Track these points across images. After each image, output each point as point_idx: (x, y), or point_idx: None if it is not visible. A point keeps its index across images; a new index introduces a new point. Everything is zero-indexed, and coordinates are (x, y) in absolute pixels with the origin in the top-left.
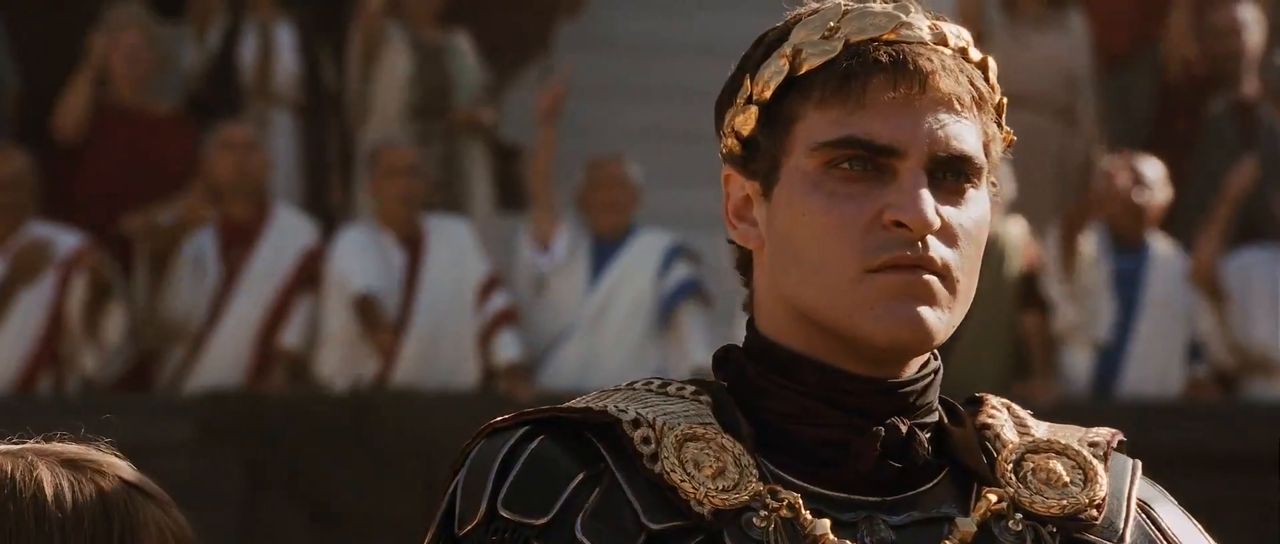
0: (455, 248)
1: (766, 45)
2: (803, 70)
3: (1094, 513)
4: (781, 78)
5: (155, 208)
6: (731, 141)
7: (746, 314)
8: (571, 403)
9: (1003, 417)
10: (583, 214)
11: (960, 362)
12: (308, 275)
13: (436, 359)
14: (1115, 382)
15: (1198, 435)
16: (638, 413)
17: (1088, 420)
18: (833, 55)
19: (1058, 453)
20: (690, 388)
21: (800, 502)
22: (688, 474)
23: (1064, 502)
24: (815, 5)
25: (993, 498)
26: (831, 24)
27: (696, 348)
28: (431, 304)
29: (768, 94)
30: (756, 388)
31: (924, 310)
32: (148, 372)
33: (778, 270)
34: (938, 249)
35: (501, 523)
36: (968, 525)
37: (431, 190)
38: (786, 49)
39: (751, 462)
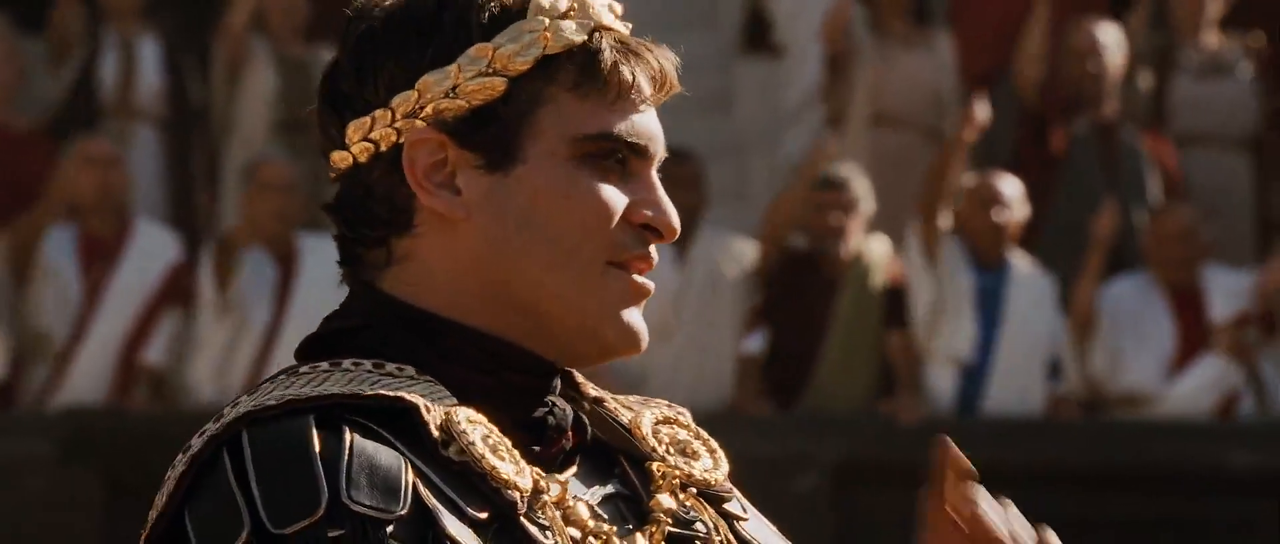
0: (329, 267)
1: (492, 12)
2: (556, 49)
3: (727, 485)
4: (538, 53)
5: (14, 226)
6: (443, 105)
7: (357, 283)
8: (323, 392)
9: (599, 391)
10: None
11: (827, 380)
12: (173, 291)
13: None
14: (978, 400)
15: (1059, 453)
16: (418, 397)
17: (952, 437)
18: (584, 38)
19: (671, 423)
20: (408, 369)
21: (566, 485)
22: (491, 460)
23: (706, 472)
24: None
25: (661, 470)
26: (569, 3)
27: None
28: (302, 322)
29: (517, 68)
30: (424, 363)
31: (641, 317)
32: (10, 388)
33: (499, 251)
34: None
35: (347, 515)
36: (669, 502)
37: (305, 206)
38: (538, 25)
39: (510, 443)
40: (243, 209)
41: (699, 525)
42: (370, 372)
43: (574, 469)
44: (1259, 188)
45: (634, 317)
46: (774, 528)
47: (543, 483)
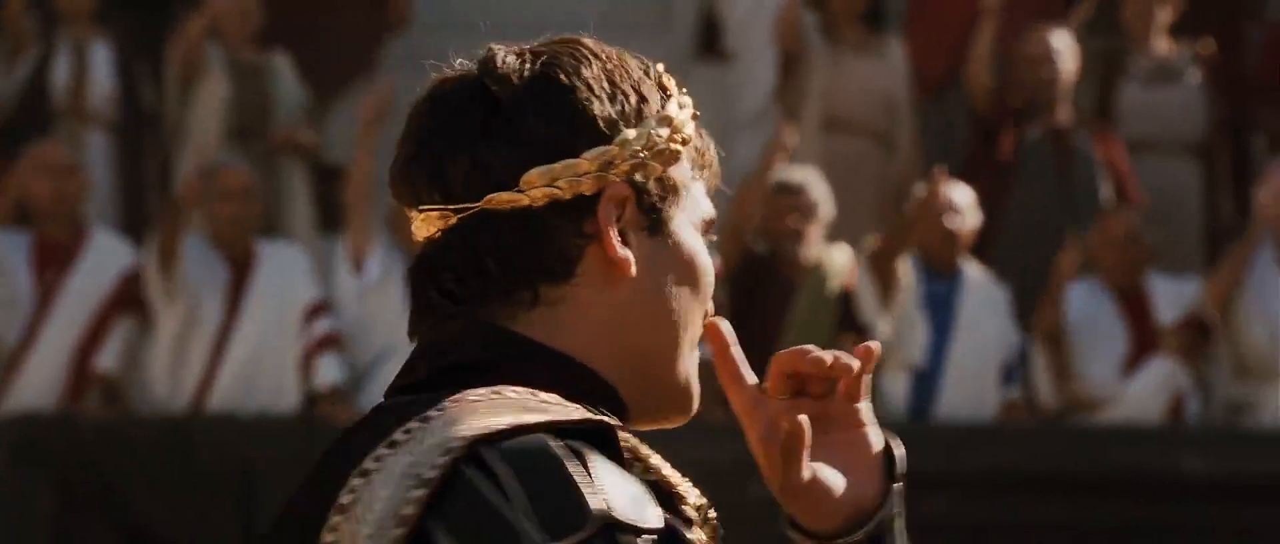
0: (285, 273)
1: (656, 83)
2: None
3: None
4: (692, 129)
5: None
6: (644, 166)
7: (491, 321)
8: (537, 419)
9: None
10: (397, 235)
11: None
12: (126, 297)
13: (257, 383)
14: (931, 405)
15: (1011, 459)
16: (611, 419)
17: (905, 443)
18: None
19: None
20: (554, 396)
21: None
22: (671, 476)
23: (701, 499)
24: (635, 57)
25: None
26: (670, 80)
27: None
28: (254, 327)
29: (689, 139)
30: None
31: None
32: None
33: (645, 307)
34: None
35: (618, 526)
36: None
37: (262, 212)
38: (683, 99)
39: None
40: (199, 215)
41: None
42: (544, 401)
43: None
44: (1207, 194)
45: (694, 366)
46: None
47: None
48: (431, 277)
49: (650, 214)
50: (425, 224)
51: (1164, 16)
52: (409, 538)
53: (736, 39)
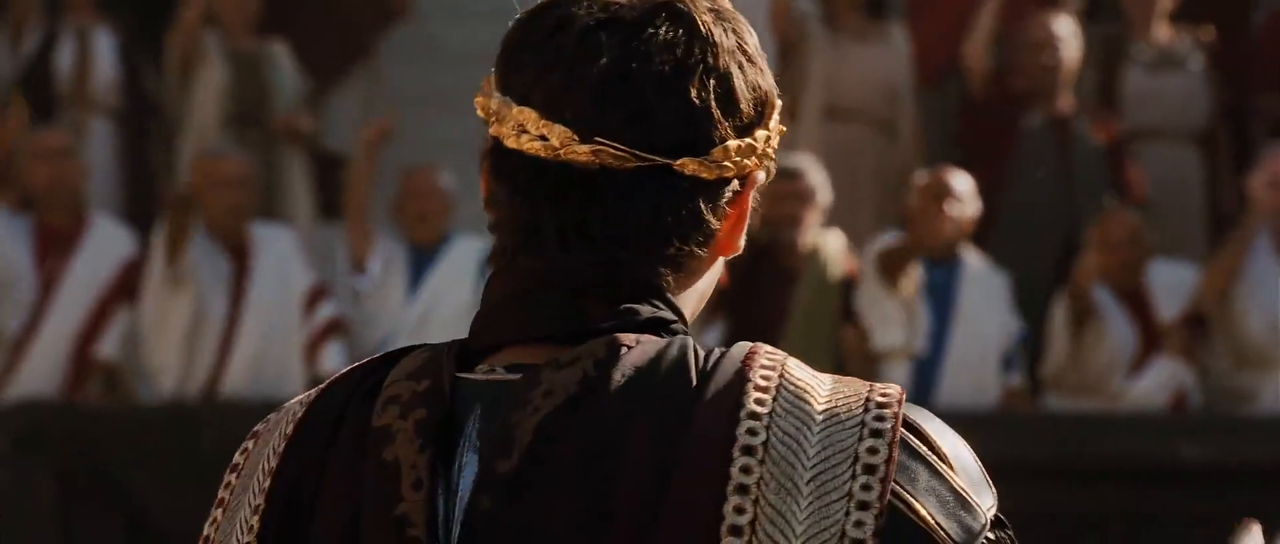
0: (281, 258)
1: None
2: None
3: None
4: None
5: None
6: (766, 143)
7: (664, 283)
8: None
9: None
10: (398, 224)
11: None
12: (127, 285)
13: (264, 370)
14: (931, 393)
15: (1012, 446)
16: None
17: None
18: None
19: None
20: None
21: None
22: None
23: None
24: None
25: None
26: None
27: None
28: (259, 315)
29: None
30: None
31: None
32: None
33: (703, 283)
34: None
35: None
36: None
37: (258, 200)
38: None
39: None
40: (197, 202)
41: None
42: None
43: None
44: (1209, 182)
45: None
46: None
47: None
48: (572, 210)
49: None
50: (573, 151)
51: (1165, 3)
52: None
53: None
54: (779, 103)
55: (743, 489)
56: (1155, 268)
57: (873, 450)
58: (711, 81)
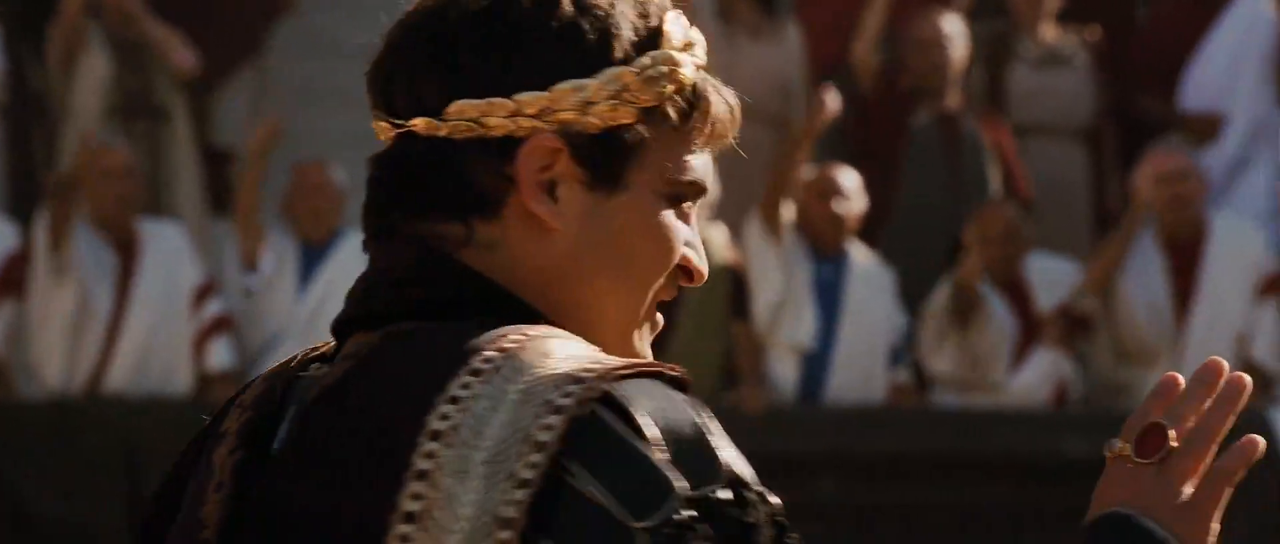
0: (169, 253)
1: (630, 37)
2: (682, 86)
3: None
4: (668, 90)
5: None
6: (578, 119)
7: (461, 264)
8: (656, 364)
9: None
10: (288, 221)
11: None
12: (11, 280)
13: (149, 366)
14: (819, 388)
15: (900, 441)
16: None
17: (796, 428)
18: (698, 78)
19: None
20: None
21: None
22: None
23: None
24: (663, 3)
25: None
26: (686, 40)
27: None
28: (145, 310)
29: (646, 102)
30: None
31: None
32: None
33: (580, 265)
34: None
35: (737, 480)
36: None
37: (144, 193)
38: (667, 57)
39: None
40: (79, 188)
41: None
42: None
43: None
44: (1094, 178)
45: (646, 348)
46: None
47: None
48: (376, 185)
49: (594, 171)
50: (381, 130)
51: (1052, 2)
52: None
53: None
54: (615, 81)
55: (422, 475)
56: (1038, 263)
57: (547, 428)
58: (447, 45)
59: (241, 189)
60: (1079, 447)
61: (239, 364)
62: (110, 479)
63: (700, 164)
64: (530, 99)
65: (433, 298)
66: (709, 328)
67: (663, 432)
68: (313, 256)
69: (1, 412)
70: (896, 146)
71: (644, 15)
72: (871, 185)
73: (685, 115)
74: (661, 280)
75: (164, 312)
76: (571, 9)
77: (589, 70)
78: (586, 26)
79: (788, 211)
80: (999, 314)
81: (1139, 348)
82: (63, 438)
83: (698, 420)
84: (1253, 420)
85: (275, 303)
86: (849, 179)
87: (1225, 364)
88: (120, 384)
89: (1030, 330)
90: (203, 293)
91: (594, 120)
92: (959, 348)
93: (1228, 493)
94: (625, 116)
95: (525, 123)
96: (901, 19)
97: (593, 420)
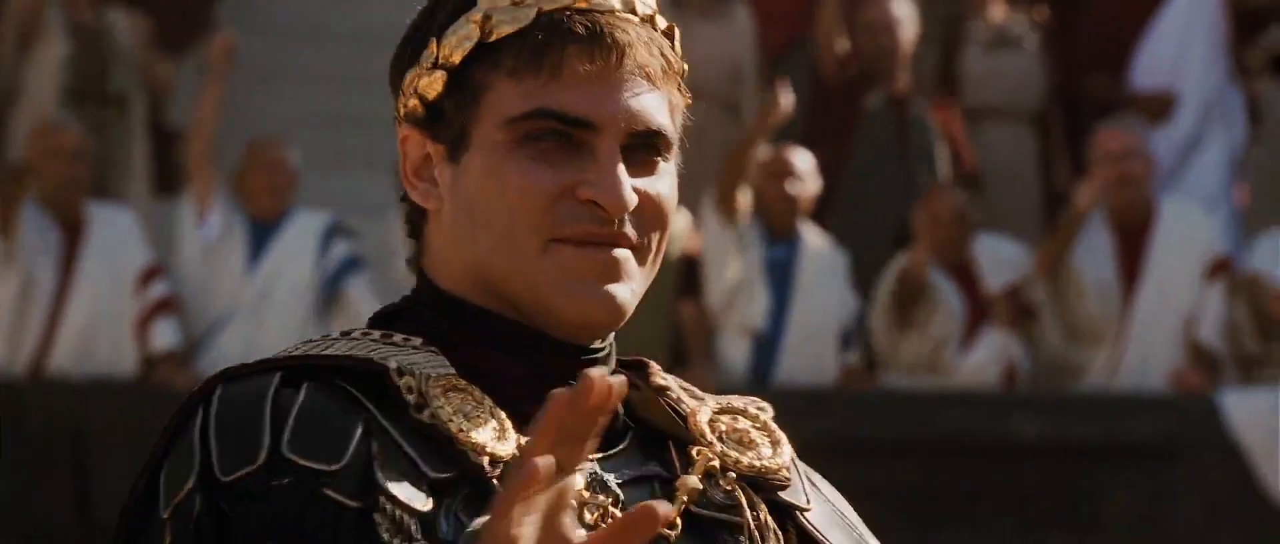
0: (117, 236)
1: (452, 7)
2: (493, 37)
3: (786, 474)
4: (471, 44)
5: None
6: (413, 102)
7: (413, 271)
8: (309, 352)
9: (672, 381)
10: (239, 197)
11: (622, 350)
12: None
13: (92, 347)
14: (771, 370)
15: (850, 423)
16: (398, 362)
17: None
18: (525, 24)
19: (738, 413)
20: (415, 340)
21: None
22: (461, 424)
23: (760, 462)
24: None
25: (708, 455)
26: None
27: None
28: (88, 291)
29: (456, 59)
30: (450, 343)
31: (615, 287)
32: None
33: (462, 235)
34: (629, 222)
35: (286, 466)
36: (691, 482)
37: (93, 174)
38: (476, 14)
39: (503, 414)
40: (32, 174)
41: (732, 508)
42: (375, 341)
43: (621, 447)
44: (1042, 160)
45: (594, 288)
46: (851, 517)
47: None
48: None
49: (445, 142)
50: None
51: None
52: (150, 470)
53: None
54: (427, 56)
55: None
56: (986, 244)
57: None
58: (405, 36)
59: (198, 122)
60: (1029, 427)
61: (185, 344)
62: (56, 460)
63: (560, 97)
64: (399, 102)
65: (392, 308)
66: (656, 307)
67: (221, 425)
68: (261, 233)
69: None
70: (848, 129)
71: None
72: (824, 168)
73: (517, 60)
74: (536, 224)
75: (109, 293)
76: (425, 8)
77: (416, 55)
78: (421, 19)
79: (744, 198)
80: (948, 298)
81: (1088, 328)
82: (7, 420)
83: (260, 413)
84: (1200, 404)
85: (222, 281)
86: (803, 161)
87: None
88: (65, 365)
89: (978, 312)
90: (149, 275)
91: (422, 96)
92: (908, 332)
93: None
94: (438, 82)
95: (401, 127)
96: (853, 2)
97: (188, 417)
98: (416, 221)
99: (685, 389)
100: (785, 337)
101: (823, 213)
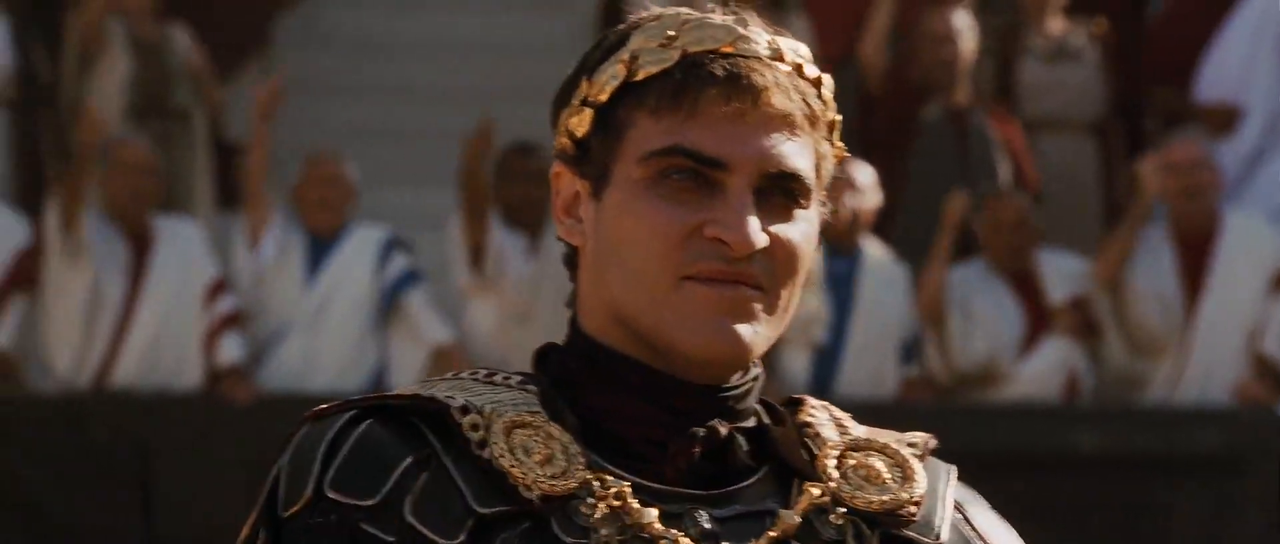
0: (184, 249)
1: (605, 48)
2: (639, 77)
3: (912, 509)
4: (617, 83)
5: None
6: (564, 140)
7: (570, 310)
8: (398, 391)
9: (822, 416)
10: (298, 211)
11: None
12: (21, 274)
13: (158, 360)
14: (832, 383)
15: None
16: (466, 400)
17: None
18: (669, 64)
19: (877, 451)
20: (516, 378)
21: (629, 491)
22: (517, 460)
23: (884, 497)
24: (657, 11)
25: (815, 491)
26: (670, 32)
27: (432, 329)
28: (156, 305)
29: (603, 98)
30: (578, 383)
31: (741, 327)
32: None
33: (599, 272)
34: (759, 264)
35: (329, 504)
36: (790, 517)
37: (161, 188)
38: (624, 54)
39: (579, 450)
40: (99, 190)
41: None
42: (475, 380)
43: (748, 483)
44: (1103, 172)
45: (719, 325)
46: None
47: (599, 489)
48: None
49: (590, 179)
50: None
51: None
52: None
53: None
54: (578, 95)
55: None
56: (1047, 257)
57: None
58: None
59: (251, 153)
60: (1091, 440)
61: (248, 359)
62: (121, 473)
63: (694, 135)
64: (563, 119)
65: (538, 350)
66: None
67: (290, 463)
68: (320, 248)
69: (12, 405)
70: (907, 141)
71: (623, 24)
72: (882, 180)
73: (659, 99)
74: (669, 261)
75: (175, 306)
76: (602, 46)
77: (570, 94)
78: (578, 61)
79: None
80: (1005, 305)
81: (1149, 340)
82: (73, 433)
83: (315, 452)
84: (1263, 416)
85: (281, 295)
86: (863, 174)
87: None
88: (130, 378)
89: (1040, 323)
90: (216, 289)
91: (572, 133)
92: (967, 344)
93: None
94: (586, 120)
95: (554, 164)
96: (910, 12)
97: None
98: (572, 260)
99: (837, 423)
100: (846, 349)
101: (883, 225)
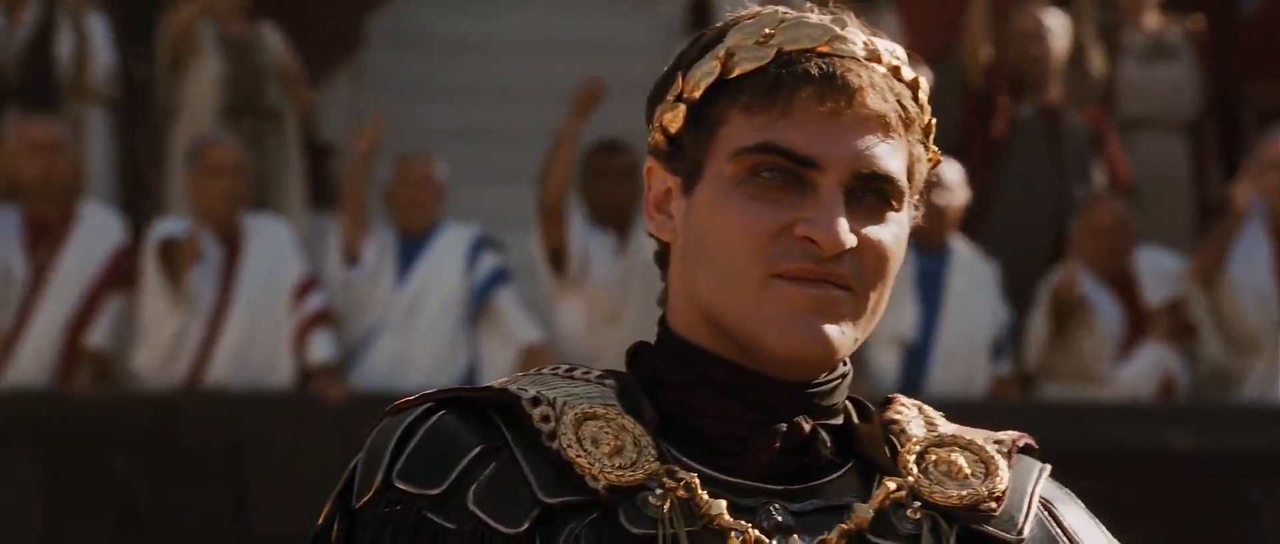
0: (274, 248)
1: (702, 45)
2: (733, 74)
3: (993, 505)
4: (712, 79)
5: None
6: (658, 136)
7: (661, 308)
8: (474, 385)
9: (911, 413)
10: (389, 211)
11: None
12: (118, 274)
13: (250, 359)
14: (921, 380)
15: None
16: (538, 392)
17: None
18: (764, 62)
19: (962, 447)
20: (596, 373)
21: (697, 482)
22: (584, 450)
23: (963, 492)
24: (754, 9)
25: (892, 486)
26: (767, 30)
27: (522, 328)
28: (247, 304)
29: (697, 94)
30: (665, 380)
31: (828, 327)
32: None
33: (689, 269)
34: (848, 265)
35: (396, 494)
36: (864, 511)
37: (253, 188)
38: (720, 51)
39: (650, 442)
40: (189, 191)
41: (912, 538)
42: (556, 375)
43: (831, 478)
44: (1197, 171)
45: (806, 324)
46: None
47: (668, 480)
48: None
49: (682, 175)
50: None
51: None
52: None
53: (726, 15)
54: (673, 91)
55: None
56: (1143, 255)
57: None
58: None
59: (348, 185)
60: (1186, 439)
61: (339, 357)
62: (214, 472)
63: (787, 133)
64: (651, 137)
65: (630, 348)
66: None
67: (366, 454)
68: (411, 248)
69: (106, 406)
70: (999, 139)
71: (720, 22)
72: (974, 178)
73: (752, 97)
74: (758, 259)
75: (266, 305)
76: (699, 43)
77: (665, 90)
78: (674, 57)
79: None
80: (1104, 312)
81: (1246, 338)
82: (167, 432)
83: (387, 444)
84: None
85: (373, 294)
86: (951, 172)
87: None
88: (222, 377)
89: (1138, 325)
90: (305, 287)
91: (665, 129)
92: (1062, 347)
93: None
94: (680, 115)
95: (647, 160)
96: (1003, 9)
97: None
98: (663, 257)
99: (927, 421)
100: (935, 347)
101: (973, 223)
